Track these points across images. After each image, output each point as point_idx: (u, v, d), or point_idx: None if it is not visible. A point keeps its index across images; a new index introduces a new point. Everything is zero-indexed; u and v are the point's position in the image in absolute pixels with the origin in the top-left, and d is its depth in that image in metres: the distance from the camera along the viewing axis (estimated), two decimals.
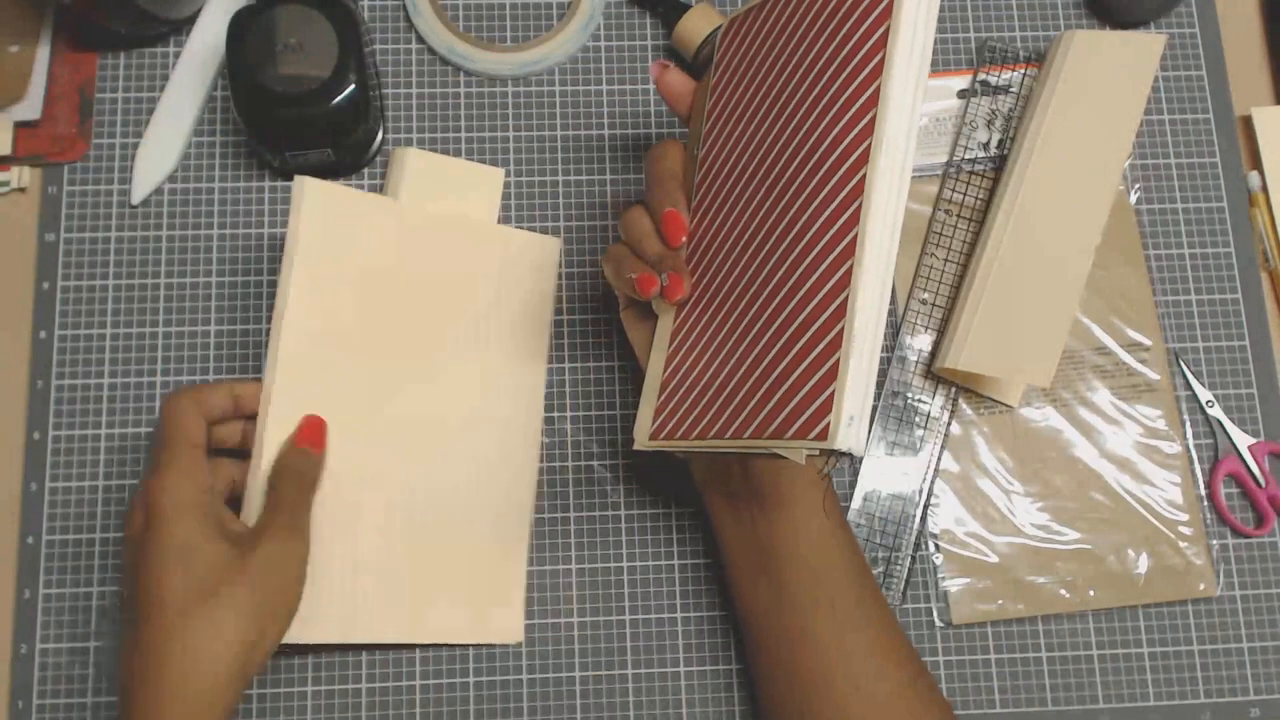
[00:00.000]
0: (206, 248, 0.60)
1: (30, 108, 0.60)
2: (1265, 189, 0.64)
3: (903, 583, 0.58)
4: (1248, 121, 0.65)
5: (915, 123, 0.41)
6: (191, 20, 0.62)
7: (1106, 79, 0.60)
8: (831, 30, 0.44)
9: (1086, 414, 0.60)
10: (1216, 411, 0.61)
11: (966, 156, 0.63)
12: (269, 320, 0.59)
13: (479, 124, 0.63)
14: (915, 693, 0.49)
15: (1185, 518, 0.59)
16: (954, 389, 0.60)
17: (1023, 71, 0.64)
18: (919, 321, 0.61)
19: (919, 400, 0.60)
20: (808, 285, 0.42)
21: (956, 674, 0.57)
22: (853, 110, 0.42)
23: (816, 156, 0.43)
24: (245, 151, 0.62)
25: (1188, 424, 0.60)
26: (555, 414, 0.59)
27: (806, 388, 0.40)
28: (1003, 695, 0.57)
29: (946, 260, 0.61)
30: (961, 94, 0.64)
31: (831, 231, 0.41)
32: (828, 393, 0.39)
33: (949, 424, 0.60)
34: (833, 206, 0.42)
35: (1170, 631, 0.58)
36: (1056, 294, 0.57)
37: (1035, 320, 0.57)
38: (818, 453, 0.39)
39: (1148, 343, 0.61)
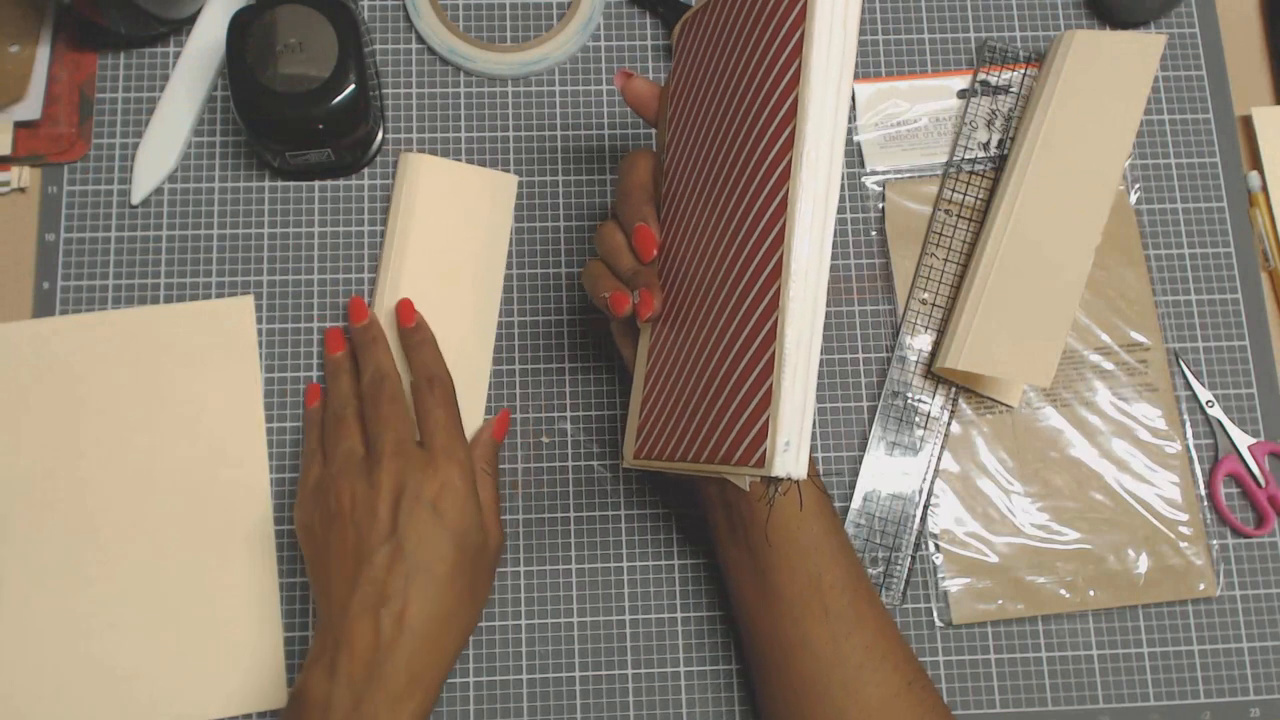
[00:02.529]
0: (206, 248, 0.60)
1: (30, 108, 0.60)
2: (1265, 189, 0.64)
3: (903, 583, 0.58)
4: (1248, 121, 0.65)
5: (839, 132, 0.39)
6: (191, 20, 0.62)
7: (1106, 79, 0.60)
8: (756, 35, 0.42)
9: (1086, 414, 0.60)
10: (1216, 411, 0.61)
11: (966, 156, 0.63)
12: (268, 320, 0.60)
13: (479, 124, 0.63)
14: (912, 696, 0.49)
15: (1185, 518, 0.59)
16: (954, 389, 0.60)
17: (1023, 71, 0.64)
18: (919, 321, 0.61)
19: (919, 400, 0.60)
20: (745, 307, 0.41)
21: (956, 674, 0.57)
22: (775, 122, 0.40)
23: (749, 170, 0.42)
24: (245, 151, 0.62)
25: (1188, 424, 0.60)
26: (555, 414, 0.59)
27: (746, 413, 0.40)
28: (1003, 695, 0.57)
29: (946, 260, 0.61)
30: (961, 94, 0.64)
31: (762, 250, 0.40)
32: (763, 419, 0.39)
33: (949, 424, 0.60)
34: (762, 224, 0.40)
35: (1170, 631, 0.58)
36: (1056, 294, 0.57)
37: (1035, 320, 0.57)
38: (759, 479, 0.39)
39: (1148, 343, 0.61)
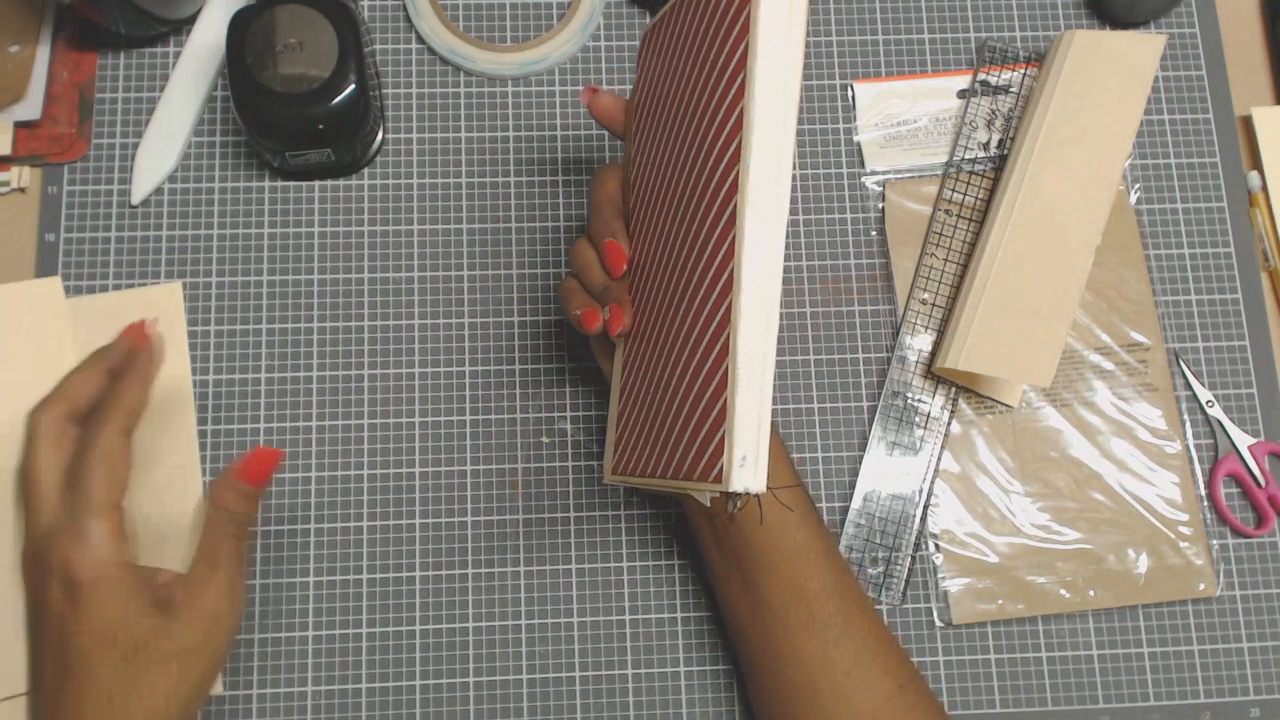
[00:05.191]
0: (206, 248, 0.60)
1: (30, 108, 0.60)
2: (1265, 189, 0.64)
3: (903, 583, 0.58)
4: (1248, 121, 0.65)
5: (786, 144, 0.39)
6: (191, 20, 0.62)
7: (1106, 79, 0.60)
8: (707, 46, 0.42)
9: (1086, 414, 0.60)
10: (1216, 411, 0.61)
11: (966, 156, 0.63)
12: (268, 320, 0.60)
13: (479, 124, 0.63)
14: (904, 699, 0.49)
15: (1185, 518, 0.59)
16: (954, 389, 0.60)
17: (1023, 71, 0.64)
18: (919, 321, 0.61)
19: (919, 400, 0.60)
20: (702, 321, 0.41)
21: (956, 674, 0.57)
22: (724, 135, 0.40)
23: (703, 183, 0.41)
24: (245, 151, 0.62)
25: (1188, 424, 0.60)
26: (555, 414, 0.59)
27: (705, 428, 0.40)
28: (1003, 695, 0.57)
29: (946, 260, 0.61)
30: (961, 94, 0.64)
31: (715, 264, 0.40)
32: (720, 434, 0.38)
33: (949, 424, 0.60)
34: (715, 237, 0.40)
35: (1170, 631, 0.58)
36: (1056, 294, 0.57)
37: (1035, 320, 0.57)
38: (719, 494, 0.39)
39: (1148, 343, 0.61)
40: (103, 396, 0.49)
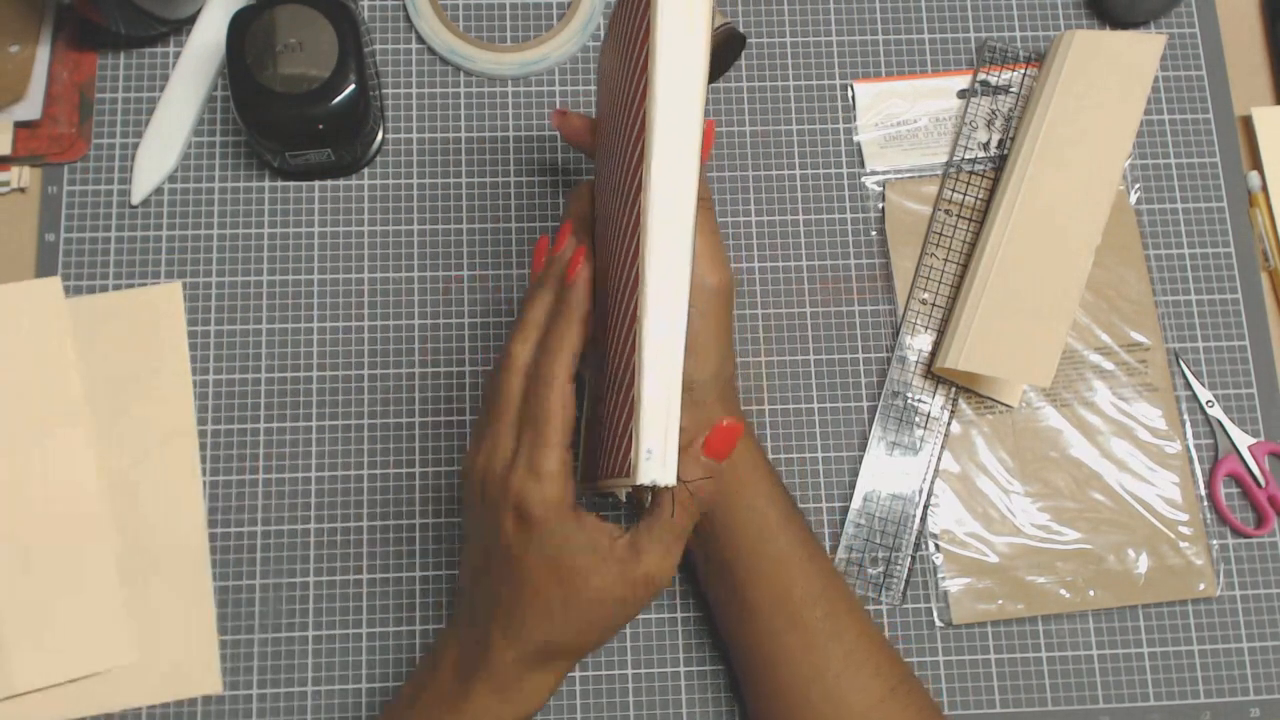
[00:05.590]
0: (206, 248, 0.60)
1: (30, 108, 0.60)
2: (1265, 189, 0.64)
3: (903, 583, 0.58)
4: (1248, 121, 0.65)
5: (688, 142, 0.39)
6: (191, 20, 0.62)
7: (1106, 79, 0.60)
8: (625, 55, 0.43)
9: (1086, 414, 0.60)
10: (1216, 411, 0.61)
11: (966, 156, 0.63)
12: (268, 320, 0.60)
13: (479, 124, 0.63)
14: (896, 701, 0.49)
15: (1185, 518, 0.59)
16: (954, 389, 0.60)
17: (1023, 71, 0.64)
18: (919, 321, 0.61)
19: (919, 400, 0.60)
20: (625, 322, 0.41)
21: (956, 674, 0.57)
22: (634, 139, 0.41)
23: (623, 188, 0.42)
24: (245, 151, 0.62)
25: (1188, 424, 0.60)
26: None
27: (621, 426, 0.40)
28: (1003, 695, 0.57)
29: (946, 260, 0.61)
30: (961, 94, 0.64)
31: (631, 266, 0.41)
32: (630, 429, 0.39)
33: (949, 424, 0.60)
34: (630, 240, 0.41)
35: (1170, 631, 0.58)
36: (1056, 294, 0.57)
37: (1035, 320, 0.57)
38: (633, 489, 0.39)
39: (1148, 343, 0.61)
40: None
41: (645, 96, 0.40)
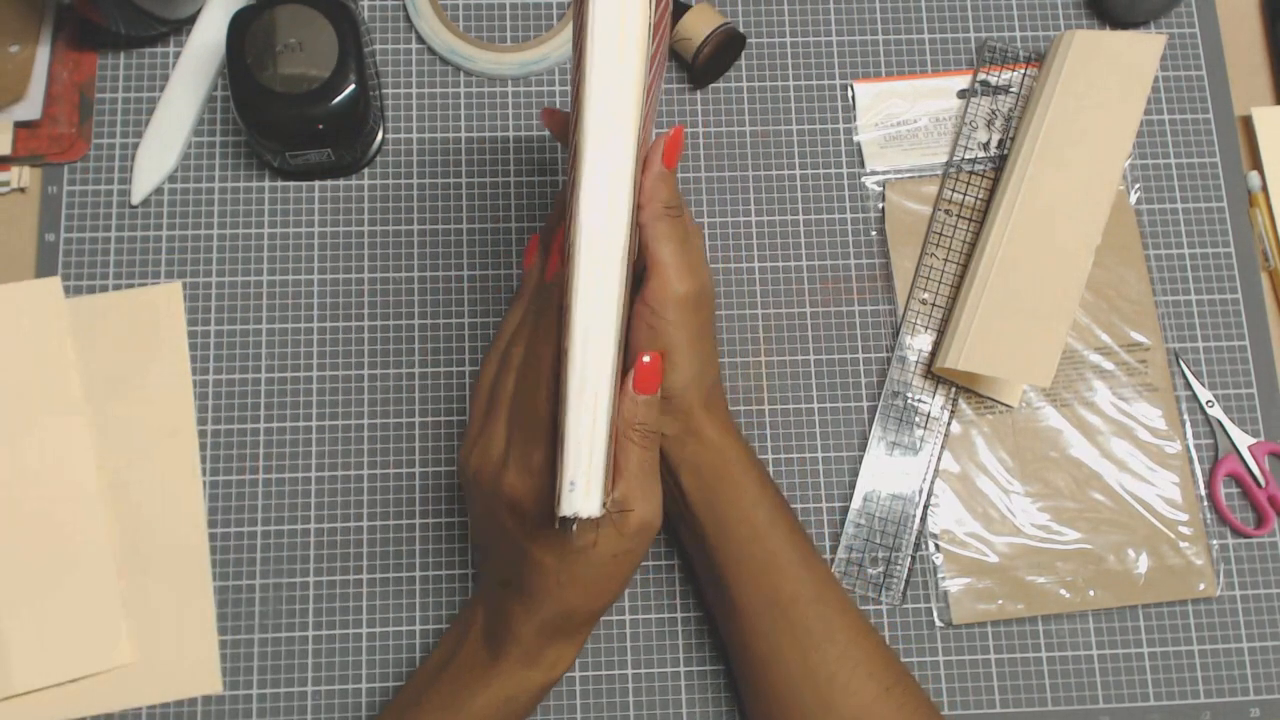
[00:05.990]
0: (206, 248, 0.60)
1: (30, 108, 0.60)
2: (1265, 189, 0.64)
3: (903, 583, 0.58)
4: (1248, 121, 0.65)
5: (618, 172, 0.38)
6: (191, 20, 0.62)
7: (1106, 79, 0.60)
8: (575, 59, 0.42)
9: (1086, 414, 0.60)
10: (1216, 411, 0.61)
11: (966, 156, 0.63)
12: (268, 320, 0.60)
13: (479, 124, 0.63)
14: (890, 701, 0.49)
15: (1185, 518, 0.59)
16: (954, 389, 0.60)
17: (1023, 71, 0.64)
18: (919, 321, 0.61)
19: (919, 400, 0.60)
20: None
21: (956, 674, 0.57)
22: (570, 164, 0.40)
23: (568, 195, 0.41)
24: (245, 151, 0.62)
25: (1188, 424, 0.60)
26: None
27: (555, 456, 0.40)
28: (1003, 695, 0.57)
29: (946, 260, 0.61)
30: (961, 94, 0.64)
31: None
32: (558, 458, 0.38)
33: (949, 424, 0.60)
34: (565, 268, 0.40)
35: (1170, 631, 0.58)
36: (1056, 294, 0.57)
37: (1035, 320, 0.57)
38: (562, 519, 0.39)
39: (1148, 343, 0.61)
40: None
41: (576, 129, 0.38)
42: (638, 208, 0.44)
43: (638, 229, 0.45)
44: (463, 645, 0.49)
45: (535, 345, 0.45)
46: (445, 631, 0.53)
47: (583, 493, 0.38)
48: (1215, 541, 0.59)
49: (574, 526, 0.38)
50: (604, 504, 0.38)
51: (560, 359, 0.39)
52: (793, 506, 0.58)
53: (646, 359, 0.45)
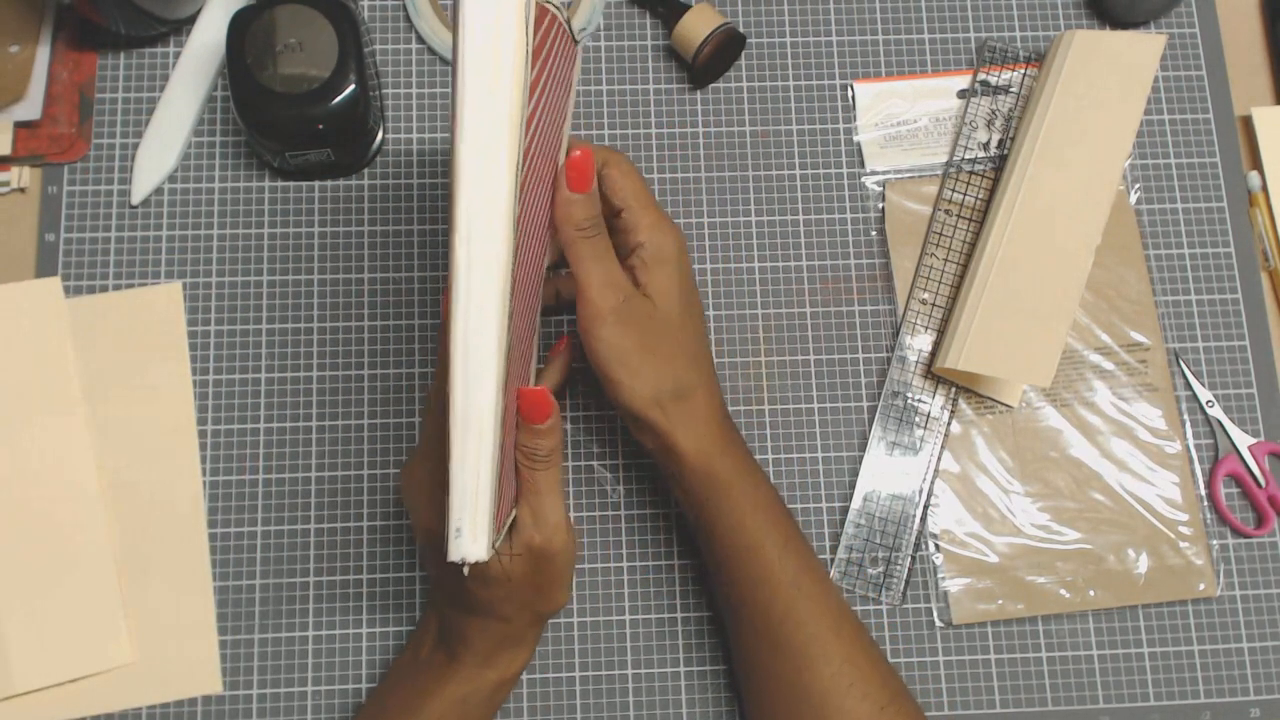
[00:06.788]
0: (206, 248, 0.60)
1: (30, 108, 0.60)
2: (1265, 189, 0.64)
3: (903, 583, 0.58)
4: (1248, 121, 0.65)
5: (492, 209, 0.36)
6: (191, 20, 0.62)
7: (1106, 79, 0.60)
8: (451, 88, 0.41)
9: (1086, 414, 0.60)
10: (1216, 411, 0.61)
11: (966, 156, 0.63)
12: (268, 320, 0.60)
13: None
14: None
15: (1185, 518, 0.59)
16: (954, 389, 0.60)
17: (1023, 71, 0.64)
18: (919, 321, 0.61)
19: (919, 400, 0.60)
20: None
21: (956, 674, 0.57)
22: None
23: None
24: (245, 151, 0.62)
25: (1188, 424, 0.60)
26: None
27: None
28: (1003, 695, 0.57)
29: (946, 260, 0.61)
30: (961, 94, 0.64)
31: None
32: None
33: (949, 424, 0.60)
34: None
35: (1170, 631, 0.58)
36: (1056, 294, 0.57)
37: (1035, 320, 0.57)
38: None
39: (1148, 343, 0.61)
40: None
41: (451, 167, 0.37)
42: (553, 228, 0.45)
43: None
44: (420, 649, 0.51)
45: (439, 383, 0.45)
46: (409, 636, 0.54)
47: (469, 538, 0.38)
48: (1215, 541, 0.59)
49: (465, 570, 0.38)
50: (492, 545, 0.38)
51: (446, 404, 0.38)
52: (793, 507, 0.58)
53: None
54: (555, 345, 0.52)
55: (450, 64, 0.40)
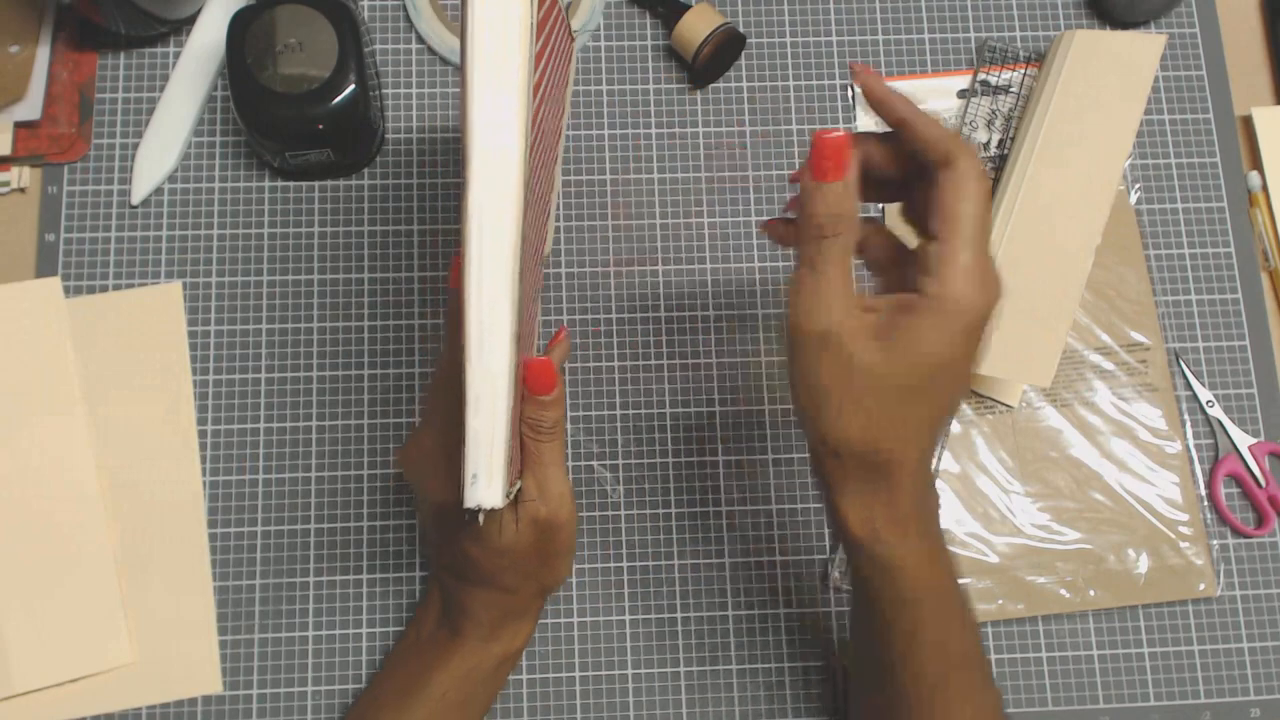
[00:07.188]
0: (206, 248, 0.60)
1: (30, 108, 0.60)
2: (1265, 189, 0.64)
3: None
4: (1248, 121, 0.65)
5: (509, 157, 0.38)
6: (191, 20, 0.62)
7: (1106, 79, 0.60)
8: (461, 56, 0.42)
9: (1086, 414, 0.60)
10: (1216, 411, 0.61)
11: None
12: (268, 320, 0.60)
13: None
14: None
15: (1185, 518, 0.59)
16: None
17: (1023, 71, 0.64)
18: None
19: None
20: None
21: None
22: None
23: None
24: (245, 151, 0.62)
25: (1188, 424, 0.60)
26: None
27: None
28: (1003, 695, 0.57)
29: None
30: (961, 94, 0.64)
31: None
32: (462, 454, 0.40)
33: (949, 424, 0.59)
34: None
35: (1170, 631, 0.58)
36: (1056, 294, 0.57)
37: (1035, 320, 0.57)
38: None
39: (1148, 343, 0.61)
40: None
41: (463, 130, 0.38)
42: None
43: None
44: (425, 625, 0.51)
45: (451, 352, 0.46)
46: (412, 614, 0.55)
47: (484, 484, 0.39)
48: (1215, 541, 0.59)
49: (480, 518, 0.39)
50: (507, 494, 0.39)
51: (462, 362, 0.40)
52: (794, 508, 0.58)
53: (535, 360, 0.45)
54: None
55: (461, 32, 0.41)
